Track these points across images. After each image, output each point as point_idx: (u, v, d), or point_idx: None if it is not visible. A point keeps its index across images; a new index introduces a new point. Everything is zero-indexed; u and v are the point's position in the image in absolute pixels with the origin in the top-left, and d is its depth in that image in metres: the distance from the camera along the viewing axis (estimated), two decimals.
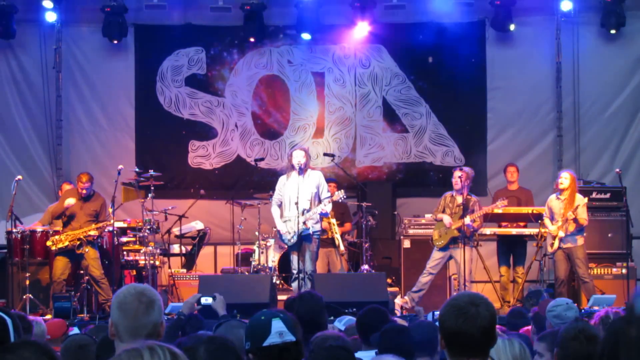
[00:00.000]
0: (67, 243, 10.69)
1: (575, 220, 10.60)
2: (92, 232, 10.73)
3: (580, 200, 10.69)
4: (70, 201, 10.78)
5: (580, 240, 10.73)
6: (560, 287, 10.70)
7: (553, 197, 10.90)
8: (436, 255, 11.11)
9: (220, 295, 6.11)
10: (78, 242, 10.70)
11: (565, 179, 10.73)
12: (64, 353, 4.44)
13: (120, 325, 3.17)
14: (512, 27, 13.33)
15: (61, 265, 10.75)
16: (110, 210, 11.02)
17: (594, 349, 3.83)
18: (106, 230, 11.02)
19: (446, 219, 10.99)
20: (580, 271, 10.70)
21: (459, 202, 10.97)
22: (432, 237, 11.21)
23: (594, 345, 3.85)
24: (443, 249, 11.06)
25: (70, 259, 10.79)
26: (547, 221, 10.86)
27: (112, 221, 11.02)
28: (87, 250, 10.70)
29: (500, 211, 11.26)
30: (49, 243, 10.79)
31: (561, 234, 10.64)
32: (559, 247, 10.69)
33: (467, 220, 10.83)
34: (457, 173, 11.07)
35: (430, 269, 11.12)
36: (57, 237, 10.74)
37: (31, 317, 7.43)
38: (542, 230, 11.33)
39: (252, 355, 3.23)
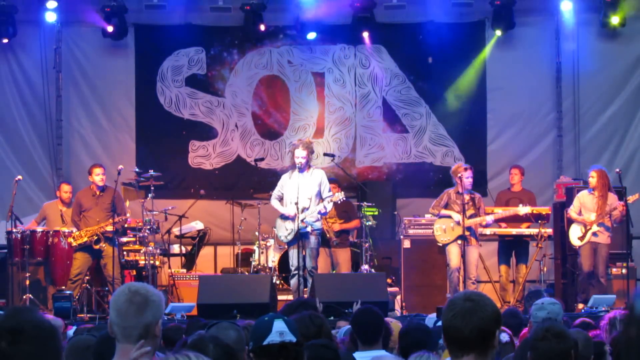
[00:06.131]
0: (86, 239, 10.79)
1: (610, 217, 10.63)
2: (109, 228, 10.78)
3: (615, 199, 10.71)
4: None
5: (608, 239, 10.75)
6: (586, 281, 10.66)
7: (585, 192, 10.87)
8: (455, 251, 10.74)
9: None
10: (95, 238, 10.78)
11: (592, 177, 10.74)
12: (69, 354, 4.43)
13: (114, 325, 3.18)
14: (510, 25, 13.32)
15: (78, 263, 10.85)
16: (128, 203, 11.12)
17: (565, 346, 3.86)
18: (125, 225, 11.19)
19: (455, 215, 10.79)
20: (601, 269, 10.70)
21: (466, 200, 10.79)
22: (434, 232, 10.93)
23: (564, 342, 3.87)
24: (451, 243, 10.81)
25: (90, 256, 10.89)
26: (573, 214, 10.78)
27: (128, 215, 11.13)
28: (103, 246, 10.77)
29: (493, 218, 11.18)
30: (70, 240, 10.90)
31: (595, 227, 10.63)
32: (589, 241, 10.68)
33: (490, 218, 10.87)
34: (468, 172, 10.79)
35: (457, 266, 10.73)
36: (77, 233, 10.85)
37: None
38: (542, 230, 11.33)
39: (252, 354, 3.26)
